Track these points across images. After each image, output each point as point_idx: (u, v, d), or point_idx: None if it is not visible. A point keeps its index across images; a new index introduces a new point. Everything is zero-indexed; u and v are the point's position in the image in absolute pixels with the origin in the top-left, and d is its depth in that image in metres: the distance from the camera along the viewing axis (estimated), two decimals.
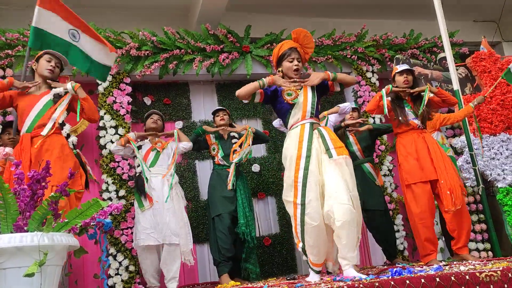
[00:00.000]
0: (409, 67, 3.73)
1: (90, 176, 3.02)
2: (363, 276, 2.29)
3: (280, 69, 2.89)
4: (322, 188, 2.60)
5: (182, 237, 3.56)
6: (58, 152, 2.85)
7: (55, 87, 3.01)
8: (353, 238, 2.49)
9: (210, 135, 4.22)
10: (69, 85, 3.00)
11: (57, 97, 2.99)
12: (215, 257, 3.82)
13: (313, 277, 2.66)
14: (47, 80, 3.02)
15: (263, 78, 2.79)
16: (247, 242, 3.85)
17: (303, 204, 2.56)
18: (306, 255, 2.67)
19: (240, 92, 2.79)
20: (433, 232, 3.45)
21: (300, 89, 2.81)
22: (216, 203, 3.93)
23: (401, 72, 3.67)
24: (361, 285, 1.93)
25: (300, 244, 2.64)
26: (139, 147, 3.88)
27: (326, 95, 3.03)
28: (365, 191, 4.10)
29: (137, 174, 3.80)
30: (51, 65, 3.01)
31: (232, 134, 4.17)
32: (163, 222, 3.56)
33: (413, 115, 3.62)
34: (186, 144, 3.99)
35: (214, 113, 4.32)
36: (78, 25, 3.34)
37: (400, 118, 3.57)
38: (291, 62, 2.83)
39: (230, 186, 3.84)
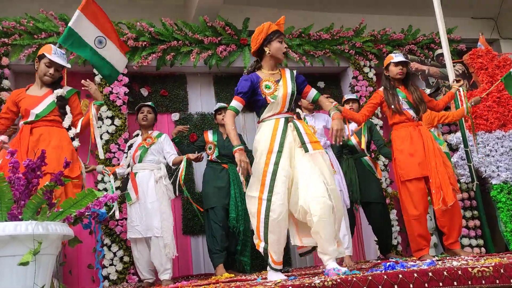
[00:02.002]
0: (405, 59, 3.61)
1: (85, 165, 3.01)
2: (343, 270, 2.26)
3: (266, 49, 2.67)
4: (292, 182, 2.51)
5: (164, 230, 3.55)
6: (56, 142, 2.85)
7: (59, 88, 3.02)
8: (331, 231, 2.40)
9: (208, 133, 4.19)
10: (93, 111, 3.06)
11: (60, 99, 2.99)
12: (210, 248, 3.84)
13: (277, 276, 2.48)
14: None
15: (235, 147, 2.54)
16: (239, 235, 3.88)
17: (269, 200, 2.45)
18: (266, 256, 2.53)
19: (226, 124, 2.65)
20: (426, 228, 3.45)
21: (279, 81, 2.68)
22: (210, 196, 3.96)
23: (397, 63, 3.58)
24: (354, 279, 1.95)
25: (262, 244, 2.51)
26: (130, 146, 3.90)
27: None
28: (365, 184, 4.17)
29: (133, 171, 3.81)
30: (50, 72, 2.95)
31: None
32: (147, 216, 3.58)
33: (407, 105, 3.53)
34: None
35: (217, 111, 4.21)
36: (107, 32, 3.39)
37: (392, 106, 3.51)
38: (281, 43, 2.69)
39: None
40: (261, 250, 2.53)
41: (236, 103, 2.65)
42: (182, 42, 4.84)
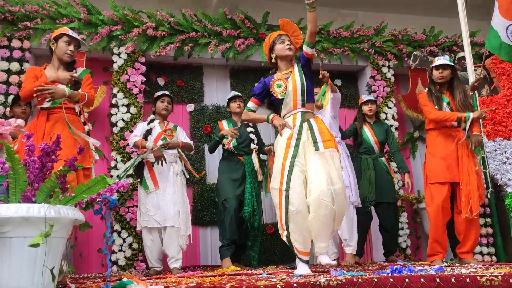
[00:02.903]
0: (446, 61, 3.53)
1: (97, 151, 3.02)
2: (327, 262, 2.62)
3: (273, 55, 2.91)
4: (306, 177, 2.67)
5: (181, 221, 3.58)
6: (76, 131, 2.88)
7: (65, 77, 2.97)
8: (325, 231, 2.61)
9: (223, 123, 4.19)
10: (91, 141, 2.99)
11: (75, 84, 2.96)
12: (220, 239, 3.87)
13: (302, 269, 2.60)
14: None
15: (269, 117, 2.89)
16: (251, 231, 3.89)
17: (287, 191, 2.63)
18: (291, 245, 2.68)
19: (246, 119, 3.03)
20: (443, 234, 3.41)
21: (288, 78, 2.83)
22: (224, 187, 3.95)
23: (437, 67, 3.52)
24: (359, 280, 1.94)
25: (285, 233, 2.67)
26: (149, 131, 3.84)
27: (310, 68, 2.93)
28: (382, 185, 4.21)
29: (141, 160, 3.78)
30: (70, 49, 2.96)
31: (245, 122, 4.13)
32: (164, 206, 3.59)
33: (449, 110, 3.49)
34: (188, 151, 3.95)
35: (231, 99, 4.21)
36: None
37: (436, 107, 3.47)
38: (283, 42, 2.87)
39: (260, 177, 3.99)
40: (284, 239, 2.69)
41: (251, 103, 2.96)
42: (201, 33, 4.84)
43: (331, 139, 2.71)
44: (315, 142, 2.68)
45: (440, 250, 3.38)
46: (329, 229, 2.62)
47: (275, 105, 2.94)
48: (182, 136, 3.94)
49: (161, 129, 3.85)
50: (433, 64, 3.54)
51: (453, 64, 3.56)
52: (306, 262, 2.67)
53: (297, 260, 2.68)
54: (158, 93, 3.97)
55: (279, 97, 2.82)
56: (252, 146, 4.07)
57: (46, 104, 2.89)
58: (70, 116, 2.94)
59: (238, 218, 3.86)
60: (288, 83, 2.81)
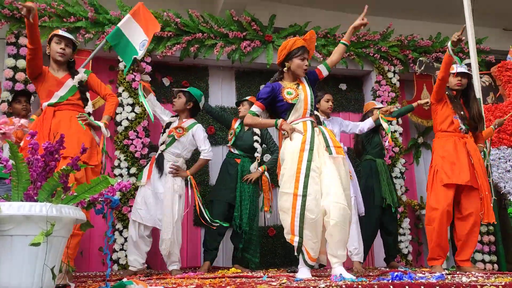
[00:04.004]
0: (466, 70, 3.54)
1: (103, 150, 3.05)
2: (349, 277, 2.37)
3: (287, 65, 2.85)
4: (321, 182, 2.64)
5: (164, 225, 3.46)
6: (77, 127, 2.89)
7: (77, 77, 3.03)
8: (345, 236, 2.56)
9: (237, 121, 4.14)
10: (104, 130, 3.03)
11: (81, 85, 3.03)
12: (205, 241, 3.89)
13: (304, 273, 2.60)
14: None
15: (277, 121, 2.78)
16: (244, 234, 3.86)
17: (304, 196, 2.58)
18: (300, 251, 2.61)
19: (250, 123, 2.85)
20: (446, 238, 3.40)
21: (298, 87, 2.84)
22: (217, 188, 4.02)
23: (455, 74, 3.51)
24: (359, 286, 1.94)
25: (296, 238, 2.59)
26: (169, 124, 3.77)
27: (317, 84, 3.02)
28: (390, 188, 4.20)
29: (159, 152, 3.72)
30: (61, 47, 2.97)
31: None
32: (150, 204, 3.57)
33: (461, 117, 3.50)
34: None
35: (238, 103, 4.22)
36: (149, 32, 3.47)
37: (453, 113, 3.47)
38: (303, 61, 2.83)
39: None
40: (295, 244, 2.61)
41: (255, 107, 2.86)
42: (207, 34, 4.85)
43: (340, 146, 2.75)
44: (327, 146, 2.68)
45: (442, 254, 3.37)
46: (347, 234, 2.59)
47: (281, 111, 2.86)
48: (199, 139, 3.72)
49: (174, 127, 3.74)
50: (452, 71, 3.49)
51: (470, 73, 3.56)
52: (312, 267, 2.66)
53: (301, 265, 2.65)
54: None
55: (290, 102, 2.78)
56: (256, 154, 4.04)
57: (53, 100, 2.90)
58: (77, 113, 2.96)
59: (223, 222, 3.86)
60: (300, 91, 2.81)
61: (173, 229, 3.46)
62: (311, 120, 2.82)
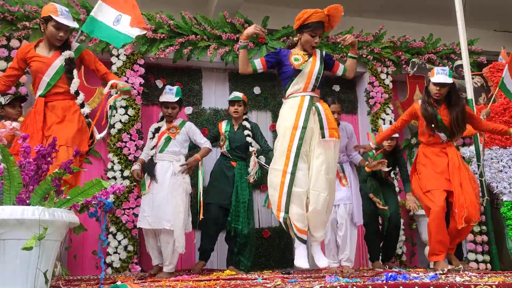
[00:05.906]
0: (446, 78, 3.33)
1: (94, 152, 3.03)
2: (324, 260, 2.68)
3: (298, 36, 2.85)
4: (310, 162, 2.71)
5: (176, 224, 3.46)
6: (69, 116, 2.86)
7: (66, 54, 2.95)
8: (322, 221, 2.73)
9: (222, 123, 4.17)
10: (119, 83, 3.01)
11: (68, 63, 2.91)
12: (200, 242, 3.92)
13: (301, 255, 2.66)
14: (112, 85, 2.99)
15: (240, 42, 2.84)
16: (239, 237, 3.85)
17: (293, 173, 2.64)
18: (287, 225, 2.69)
19: (239, 69, 2.88)
20: (446, 234, 3.42)
21: (309, 57, 2.82)
22: (210, 191, 4.01)
23: (436, 84, 3.37)
24: (354, 287, 1.94)
25: (282, 214, 2.66)
26: (157, 129, 3.80)
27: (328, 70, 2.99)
28: (389, 195, 4.31)
29: (150, 157, 3.73)
30: (60, 35, 2.87)
31: (244, 123, 4.08)
32: (157, 206, 3.53)
33: (442, 127, 3.48)
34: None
35: (230, 102, 4.12)
36: (125, 9, 3.45)
37: (432, 125, 3.44)
38: (313, 37, 2.81)
39: (251, 179, 3.95)
40: (280, 219, 2.70)
41: (257, 61, 2.88)
42: (200, 36, 4.85)
43: (336, 128, 2.76)
44: (321, 128, 2.70)
45: (443, 249, 3.40)
46: (325, 219, 2.76)
47: (283, 77, 2.87)
48: (195, 134, 3.80)
49: (166, 128, 3.75)
50: (432, 79, 3.38)
51: (452, 81, 3.39)
52: (305, 241, 2.69)
53: (296, 243, 2.70)
54: (162, 99, 3.80)
55: (297, 68, 2.76)
56: (251, 148, 4.03)
57: (42, 89, 2.85)
58: (66, 102, 2.90)
59: (219, 225, 3.89)
60: (307, 63, 2.79)
61: (183, 228, 3.53)
62: (311, 96, 2.79)
